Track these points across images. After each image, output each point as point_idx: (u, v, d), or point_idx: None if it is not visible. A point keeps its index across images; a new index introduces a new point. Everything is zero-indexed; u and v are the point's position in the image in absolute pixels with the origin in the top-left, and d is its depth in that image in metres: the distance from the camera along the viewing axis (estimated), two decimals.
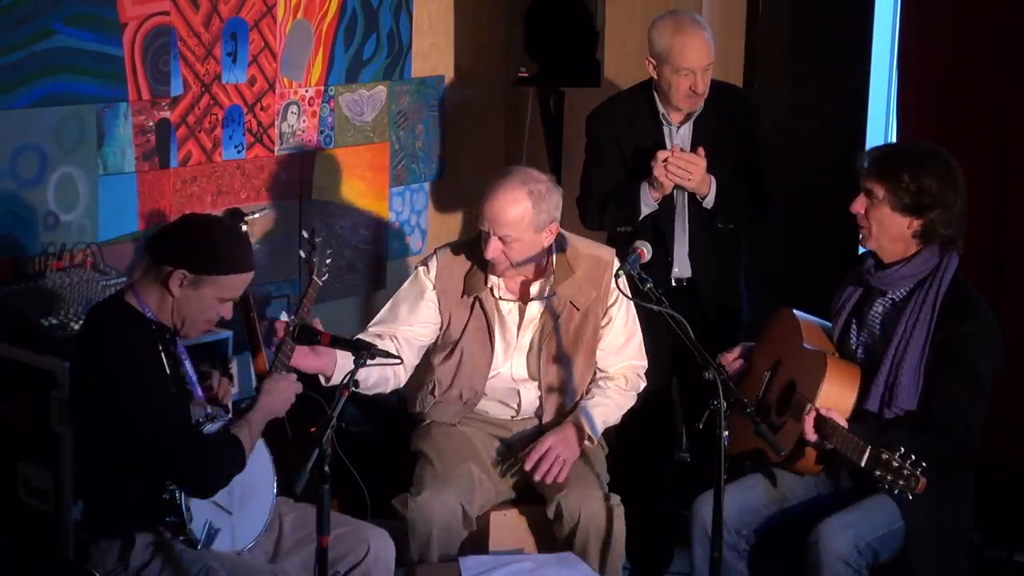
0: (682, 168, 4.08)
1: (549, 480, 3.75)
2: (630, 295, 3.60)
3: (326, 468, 3.00)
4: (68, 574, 3.42)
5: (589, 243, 3.97)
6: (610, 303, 3.90)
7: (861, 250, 3.77)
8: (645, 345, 4.05)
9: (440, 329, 3.90)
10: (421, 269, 3.93)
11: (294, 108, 4.91)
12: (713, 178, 4.16)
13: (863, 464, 3.34)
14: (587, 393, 3.92)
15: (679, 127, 4.27)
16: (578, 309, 3.85)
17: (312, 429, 3.17)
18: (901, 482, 3.26)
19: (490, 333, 3.86)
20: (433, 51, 5.45)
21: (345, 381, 3.16)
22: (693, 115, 4.25)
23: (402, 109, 5.36)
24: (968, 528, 3.67)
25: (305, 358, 3.60)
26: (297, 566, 3.40)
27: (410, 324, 3.88)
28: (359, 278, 5.23)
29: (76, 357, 3.33)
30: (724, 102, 4.31)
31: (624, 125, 4.30)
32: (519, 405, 3.94)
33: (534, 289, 3.87)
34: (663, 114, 4.26)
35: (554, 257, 3.85)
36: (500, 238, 3.71)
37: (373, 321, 3.93)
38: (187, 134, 4.57)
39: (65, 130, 4.23)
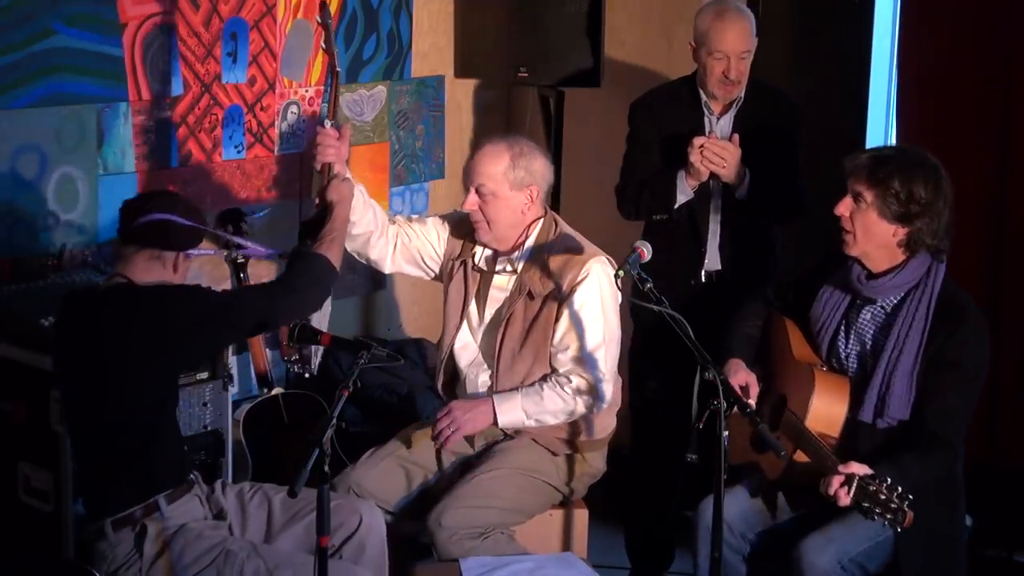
0: (717, 155, 4.09)
1: (436, 445, 3.76)
2: (629, 296, 3.56)
3: (326, 468, 3.01)
4: (68, 574, 3.42)
5: (582, 241, 3.84)
6: (564, 298, 3.74)
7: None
8: (656, 346, 4.03)
9: (436, 268, 3.94)
10: (448, 215, 3.99)
11: (294, 108, 4.91)
12: (748, 169, 4.17)
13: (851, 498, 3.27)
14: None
15: (719, 117, 4.28)
16: (532, 297, 3.78)
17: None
18: (888, 515, 3.20)
19: (465, 298, 3.87)
20: (433, 51, 5.45)
21: (346, 382, 3.17)
22: (734, 105, 4.27)
23: (402, 109, 5.36)
24: (963, 528, 3.63)
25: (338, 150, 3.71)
26: (292, 544, 3.48)
27: (425, 235, 3.93)
28: (359, 278, 5.23)
29: (99, 335, 3.30)
30: (766, 99, 4.33)
31: (665, 113, 4.32)
32: (468, 385, 3.90)
33: (499, 263, 3.85)
34: (704, 103, 4.28)
35: (532, 236, 3.82)
36: (476, 190, 3.76)
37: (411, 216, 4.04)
38: (187, 134, 4.57)
39: (65, 130, 4.23)
